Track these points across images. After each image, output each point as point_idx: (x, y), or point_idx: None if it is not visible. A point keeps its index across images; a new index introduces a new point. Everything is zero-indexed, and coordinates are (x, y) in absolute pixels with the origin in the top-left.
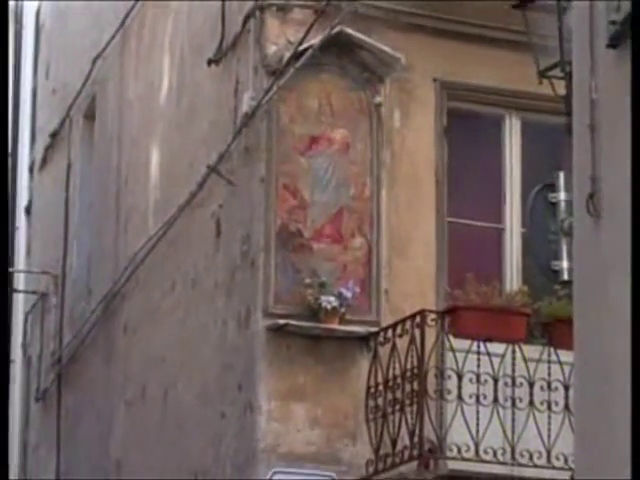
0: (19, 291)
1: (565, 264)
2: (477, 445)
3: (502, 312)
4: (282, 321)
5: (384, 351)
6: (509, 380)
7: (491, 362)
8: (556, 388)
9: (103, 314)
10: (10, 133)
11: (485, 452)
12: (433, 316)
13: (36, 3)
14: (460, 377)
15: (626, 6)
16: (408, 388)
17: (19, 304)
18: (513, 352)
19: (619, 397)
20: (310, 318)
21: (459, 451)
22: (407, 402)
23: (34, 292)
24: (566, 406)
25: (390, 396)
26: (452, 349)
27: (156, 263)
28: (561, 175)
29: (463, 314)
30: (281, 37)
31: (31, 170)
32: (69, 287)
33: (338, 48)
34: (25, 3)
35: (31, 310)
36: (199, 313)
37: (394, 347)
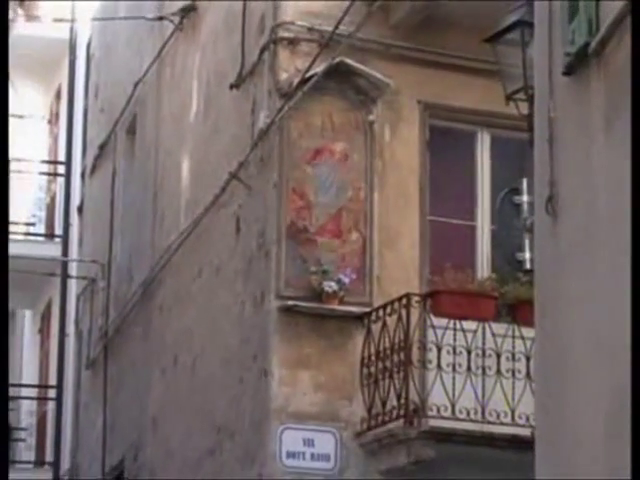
0: (72, 277)
1: (527, 255)
2: (453, 406)
3: (474, 295)
4: (291, 302)
5: (376, 328)
6: (480, 352)
7: (465, 337)
8: (519, 359)
9: (142, 296)
10: (65, 145)
11: (460, 412)
12: (417, 298)
13: (87, 36)
14: (439, 349)
15: (579, 40)
16: (396, 358)
17: (72, 288)
18: (483, 329)
19: (571, 365)
20: (314, 300)
21: (438, 411)
22: (395, 370)
23: (85, 278)
24: (527, 374)
25: (381, 365)
26: (432, 326)
27: (186, 253)
28: (524, 181)
29: (442, 297)
30: (291, 66)
31: (83, 176)
32: (114, 273)
33: (338, 75)
34: (78, 37)
35: (82, 293)
36: (221, 295)
37: (384, 324)
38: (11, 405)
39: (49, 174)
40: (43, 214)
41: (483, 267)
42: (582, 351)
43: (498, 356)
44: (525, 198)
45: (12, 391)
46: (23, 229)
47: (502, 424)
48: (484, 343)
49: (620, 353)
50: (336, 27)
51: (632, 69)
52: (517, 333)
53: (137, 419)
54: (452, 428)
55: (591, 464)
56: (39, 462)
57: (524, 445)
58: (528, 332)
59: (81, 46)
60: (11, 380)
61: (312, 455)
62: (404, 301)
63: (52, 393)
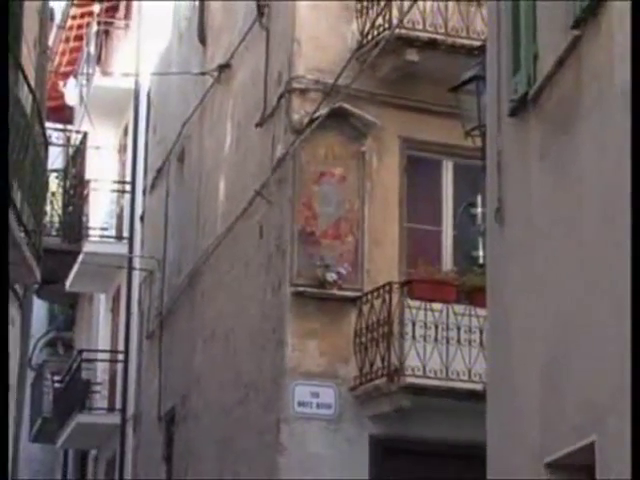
0: (136, 269)
1: (481, 253)
2: (424, 367)
3: (440, 283)
4: (301, 289)
5: (366, 308)
6: (444, 326)
7: (433, 315)
8: (474, 332)
9: (188, 284)
10: (130, 169)
11: (429, 372)
12: (397, 286)
13: (147, 86)
14: (414, 324)
15: (520, 90)
16: (381, 331)
17: (136, 277)
18: (447, 309)
19: (513, 336)
20: (319, 287)
21: (413, 371)
22: (380, 340)
23: (145, 270)
24: (481, 343)
25: (369, 336)
26: (408, 307)
27: (221, 252)
28: (479, 197)
29: (415, 285)
30: (301, 109)
31: (144, 193)
32: (167, 267)
33: (337, 116)
34: (141, 87)
35: (144, 281)
36: (248, 284)
37: (372, 305)
38: (89, 366)
39: (119, 191)
40: (114, 221)
41: (447, 262)
42: (521, 325)
43: (458, 329)
44: (479, 210)
45: (90, 355)
46: (99, 232)
47: (461, 381)
48: (448, 320)
49: (550, 326)
50: (336, 80)
51: (632, 69)
52: (473, 312)
53: (184, 377)
54: (423, 384)
55: (529, 409)
56: (110, 409)
57: (478, 397)
58: (481, 311)
59: (143, 94)
60: (89, 347)
61: (317, 404)
62: (387, 288)
63: (120, 357)
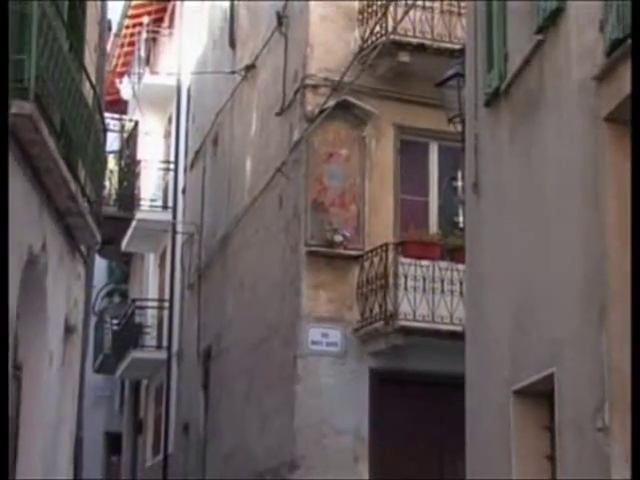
0: (178, 233)
1: (461, 219)
2: (414, 313)
3: (428, 244)
4: (314, 248)
5: (367, 264)
6: (431, 279)
7: (422, 270)
8: (455, 283)
9: (220, 245)
10: (174, 151)
11: (418, 316)
12: (392, 246)
13: (187, 83)
14: (406, 277)
15: (494, 84)
16: (379, 283)
17: (179, 240)
18: (433, 265)
19: (487, 286)
20: (328, 247)
21: (405, 316)
22: (378, 290)
23: (186, 233)
24: (460, 292)
25: (369, 287)
26: (401, 263)
27: (248, 219)
28: (459, 173)
29: (408, 245)
30: (313, 102)
31: (185, 170)
32: (204, 231)
33: (343, 108)
34: (182, 83)
35: (185, 242)
36: (270, 244)
37: (372, 262)
38: (141, 312)
39: (164, 169)
40: (160, 194)
41: (433, 226)
42: (493, 278)
43: (442, 282)
44: (459, 183)
45: (142, 303)
46: (148, 203)
47: (444, 324)
48: (433, 274)
49: (517, 278)
50: (341, 78)
51: (632, 70)
52: (454, 268)
53: (218, 320)
54: (413, 326)
55: (499, 346)
56: (159, 346)
57: (458, 337)
58: (461, 267)
59: (183, 89)
60: (141, 296)
61: (326, 343)
62: (384, 248)
63: (166, 304)
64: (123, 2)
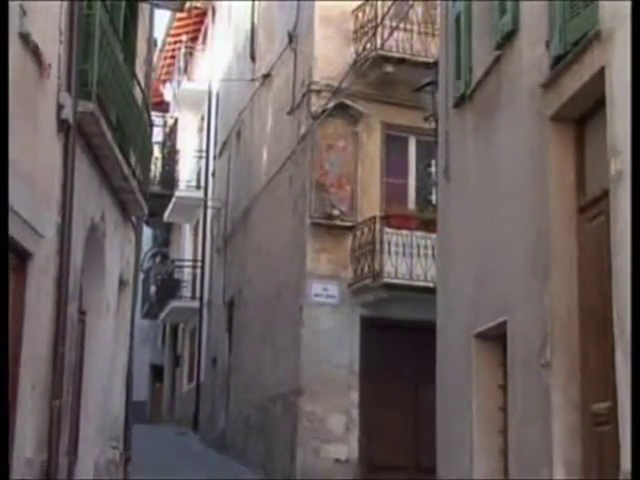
0: (209, 207)
1: (434, 197)
2: (396, 271)
3: (407, 217)
4: (317, 220)
5: (359, 233)
6: (410, 245)
7: (402, 238)
8: (429, 249)
9: (242, 217)
10: (205, 142)
11: (399, 275)
12: (379, 219)
13: (217, 88)
14: (389, 244)
15: (461, 90)
16: (368, 248)
17: (209, 213)
18: (411, 234)
19: (454, 252)
20: (328, 219)
21: (388, 274)
22: (367, 254)
23: (214, 207)
24: (433, 256)
25: (360, 251)
26: (386, 232)
27: (264, 197)
28: (433, 161)
29: (391, 218)
30: (317, 103)
31: (214, 158)
32: (229, 206)
33: (341, 108)
34: (212, 88)
35: (214, 215)
36: (282, 218)
37: (362, 231)
38: (178, 270)
39: (198, 157)
40: (195, 176)
41: (411, 203)
42: (459, 245)
43: (418, 247)
44: (433, 169)
45: (180, 263)
46: (185, 184)
47: (420, 281)
48: (412, 241)
49: (479, 245)
50: (339, 84)
51: (632, 70)
52: (428, 236)
53: (240, 277)
54: (395, 283)
55: (463, 299)
56: (193, 297)
57: (431, 291)
58: (433, 236)
59: (214, 93)
60: (179, 257)
61: (326, 295)
62: (372, 220)
63: (199, 264)
64: (166, 23)
